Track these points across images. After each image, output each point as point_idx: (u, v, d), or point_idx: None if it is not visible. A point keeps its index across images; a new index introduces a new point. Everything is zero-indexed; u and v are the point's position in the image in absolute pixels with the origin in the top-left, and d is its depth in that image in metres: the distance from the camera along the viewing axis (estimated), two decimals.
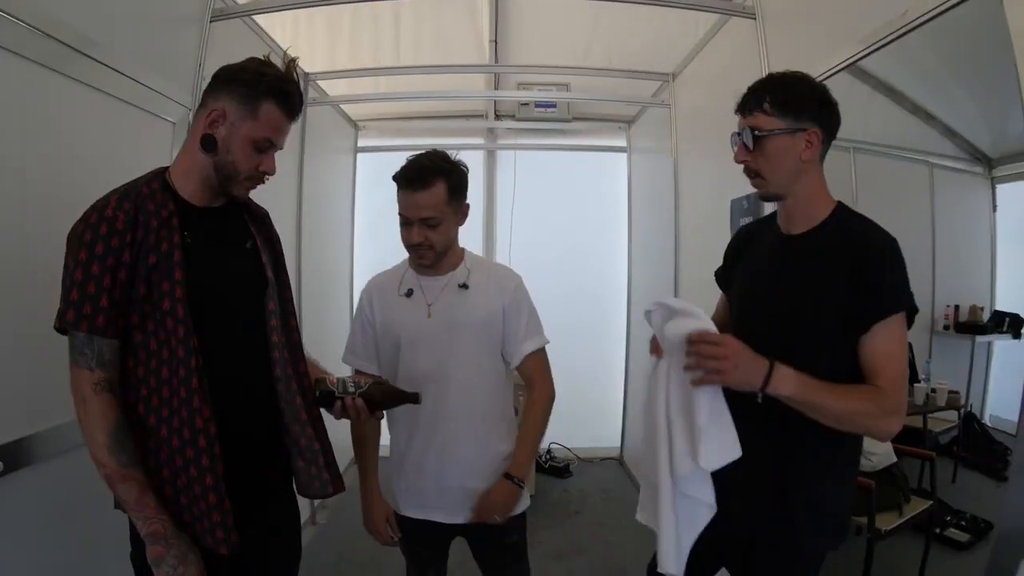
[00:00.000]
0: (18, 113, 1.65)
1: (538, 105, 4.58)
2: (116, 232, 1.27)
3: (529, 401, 1.88)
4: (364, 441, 1.88)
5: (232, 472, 1.35)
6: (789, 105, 1.45)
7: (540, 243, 4.81)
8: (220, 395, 1.35)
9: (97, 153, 1.92)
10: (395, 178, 1.73)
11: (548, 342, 1.89)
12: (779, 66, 2.45)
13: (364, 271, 4.60)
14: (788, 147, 1.45)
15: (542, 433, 1.89)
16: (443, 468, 1.79)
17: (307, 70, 3.64)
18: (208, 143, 1.37)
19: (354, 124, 4.69)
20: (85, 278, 1.25)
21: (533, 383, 1.88)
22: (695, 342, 1.30)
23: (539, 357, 1.88)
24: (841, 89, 2.27)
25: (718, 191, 2.94)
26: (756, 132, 1.46)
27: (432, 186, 1.69)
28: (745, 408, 1.33)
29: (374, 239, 4.73)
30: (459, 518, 1.82)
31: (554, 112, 4.59)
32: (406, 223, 1.73)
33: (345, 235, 4.73)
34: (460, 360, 1.78)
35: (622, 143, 4.91)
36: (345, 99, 4.10)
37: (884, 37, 1.83)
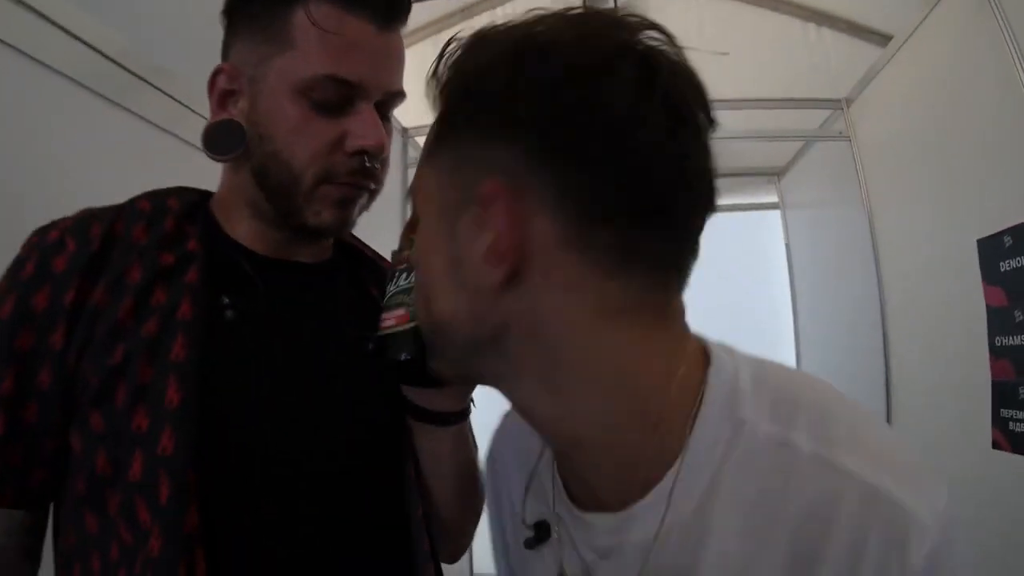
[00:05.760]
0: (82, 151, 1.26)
1: None
2: (49, 277, 0.68)
3: None
4: None
5: None
6: None
7: None
8: None
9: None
10: None
11: None
12: None
13: None
14: None
15: None
16: None
17: (404, 125, 3.25)
18: (222, 135, 0.74)
19: None
20: None
21: None
22: None
23: None
24: None
25: (951, 235, 2.24)
26: None
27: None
28: None
29: None
30: None
31: None
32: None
33: None
34: None
35: (773, 198, 4.24)
36: None
37: None
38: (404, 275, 0.71)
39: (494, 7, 3.68)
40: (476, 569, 4.09)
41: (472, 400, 0.81)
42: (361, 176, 0.76)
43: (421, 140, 3.36)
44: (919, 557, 0.46)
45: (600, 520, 0.57)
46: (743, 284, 4.17)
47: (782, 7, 3.48)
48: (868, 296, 2.94)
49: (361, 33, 0.72)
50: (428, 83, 0.57)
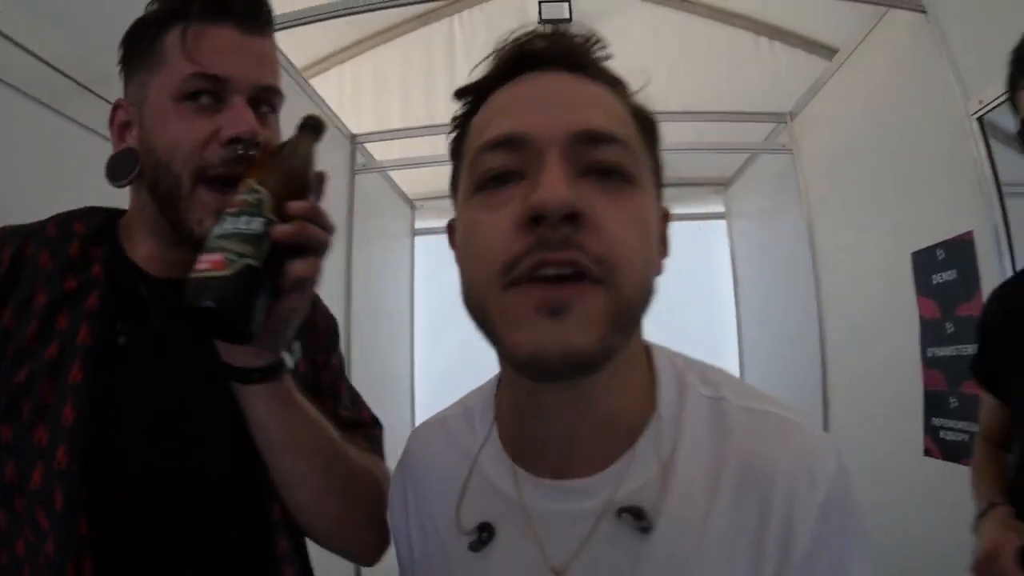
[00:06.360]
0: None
1: None
2: None
3: None
4: None
5: None
6: None
7: None
8: None
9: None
10: (492, 69, 0.66)
11: None
12: (969, 73, 1.94)
13: (427, 380, 4.13)
14: None
15: None
16: None
17: (354, 131, 3.27)
18: (119, 164, 0.80)
19: (410, 203, 4.26)
20: None
21: None
22: None
23: None
24: None
25: (888, 247, 2.32)
26: None
27: (592, 78, 0.64)
28: None
29: (438, 339, 4.19)
30: None
31: None
32: (505, 173, 0.59)
33: (404, 334, 4.20)
34: None
35: (719, 208, 4.33)
36: (398, 164, 3.66)
37: None
38: (232, 219, 0.68)
39: (451, 14, 3.69)
40: None
41: (285, 360, 0.78)
42: (234, 164, 0.77)
43: (370, 147, 3.37)
44: (831, 464, 0.61)
45: (581, 483, 0.65)
46: (689, 293, 4.21)
47: (736, 20, 3.53)
48: (808, 306, 3.01)
49: (226, 38, 0.78)
50: None
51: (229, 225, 0.67)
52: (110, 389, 0.75)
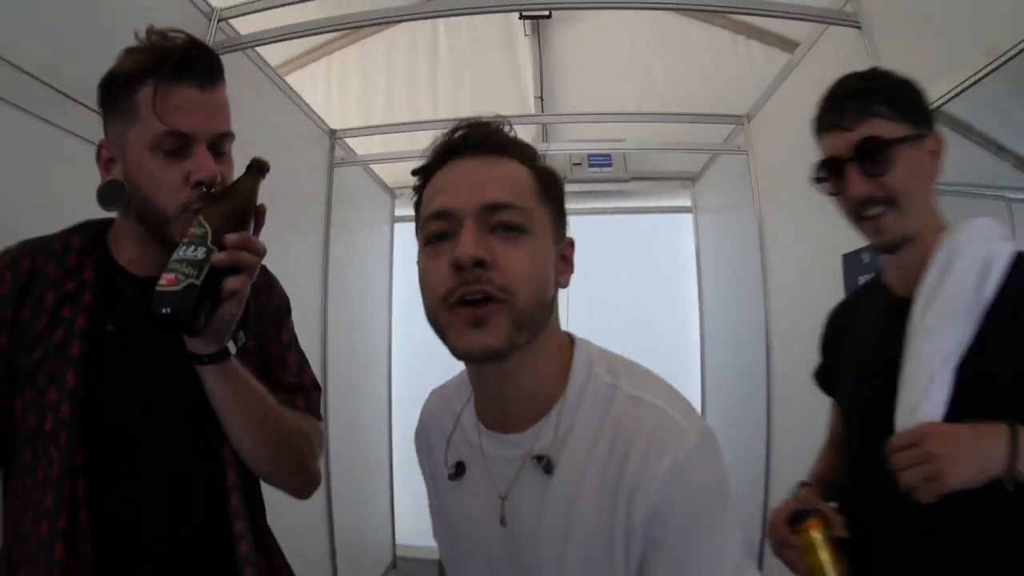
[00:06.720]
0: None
1: (591, 164, 4.17)
2: None
3: None
4: None
5: None
6: (908, 104, 1.16)
7: (596, 323, 4.21)
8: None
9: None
10: (432, 157, 0.91)
11: None
12: None
13: (404, 365, 4.25)
14: (918, 160, 1.14)
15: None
16: None
17: (334, 127, 3.36)
18: (109, 193, 1.03)
19: (390, 191, 4.38)
20: None
21: None
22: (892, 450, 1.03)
23: None
24: None
25: (823, 247, 2.48)
26: (879, 142, 1.12)
27: (502, 155, 0.88)
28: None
29: (415, 324, 4.23)
30: None
31: (610, 171, 4.19)
32: (442, 233, 0.85)
33: (381, 320, 4.33)
34: None
35: (686, 202, 4.47)
36: (375, 159, 3.80)
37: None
38: (184, 248, 0.92)
39: (382, 29, 3.82)
40: (398, 540, 4.32)
41: (229, 348, 1.01)
42: (201, 200, 1.00)
43: (350, 141, 3.50)
44: (684, 446, 0.81)
45: (514, 436, 0.93)
46: (656, 285, 4.41)
47: (714, 19, 3.63)
48: (758, 301, 3.20)
49: (188, 96, 0.99)
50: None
51: (181, 252, 0.92)
52: (101, 364, 1.00)
